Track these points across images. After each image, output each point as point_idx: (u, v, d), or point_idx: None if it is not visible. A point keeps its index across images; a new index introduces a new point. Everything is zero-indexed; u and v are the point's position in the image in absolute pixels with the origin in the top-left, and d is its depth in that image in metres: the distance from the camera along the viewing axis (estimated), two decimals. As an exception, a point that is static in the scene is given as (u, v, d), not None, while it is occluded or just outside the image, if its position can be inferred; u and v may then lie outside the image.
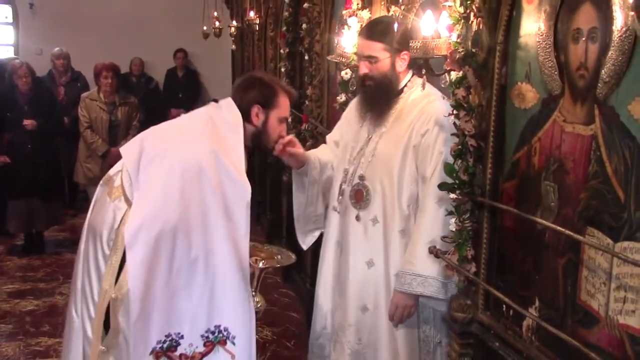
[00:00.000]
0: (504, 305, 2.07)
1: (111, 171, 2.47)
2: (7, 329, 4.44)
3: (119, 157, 3.27)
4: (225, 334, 2.18)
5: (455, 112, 2.13)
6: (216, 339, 2.17)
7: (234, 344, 2.18)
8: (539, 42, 1.86)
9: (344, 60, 3.22)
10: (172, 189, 2.17)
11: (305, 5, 4.31)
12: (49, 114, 5.87)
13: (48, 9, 9.42)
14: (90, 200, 2.81)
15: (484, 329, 2.18)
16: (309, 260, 4.58)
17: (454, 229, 2.20)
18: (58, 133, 6.10)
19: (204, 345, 2.17)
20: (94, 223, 2.38)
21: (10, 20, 9.84)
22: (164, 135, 2.41)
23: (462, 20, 2.06)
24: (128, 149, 2.36)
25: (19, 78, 5.71)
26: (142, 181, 2.22)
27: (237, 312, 2.18)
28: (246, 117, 2.42)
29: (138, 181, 2.22)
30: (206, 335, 2.17)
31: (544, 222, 1.82)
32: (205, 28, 7.99)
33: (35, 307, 4.84)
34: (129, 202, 2.24)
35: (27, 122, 5.68)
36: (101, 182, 2.48)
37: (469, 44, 2.05)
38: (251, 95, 2.45)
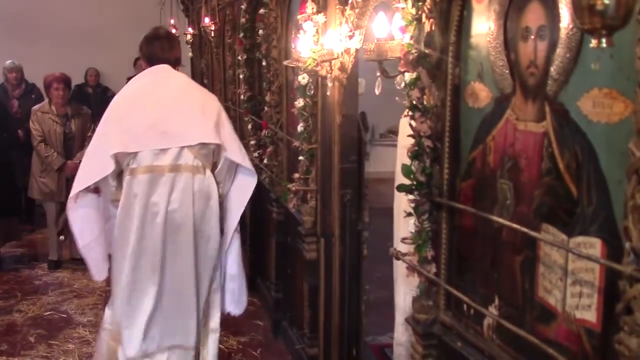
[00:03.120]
0: (465, 305, 2.07)
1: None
2: (-38, 349, 4.30)
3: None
4: None
5: (410, 113, 2.13)
6: None
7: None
8: (490, 41, 1.87)
9: (300, 64, 3.21)
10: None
11: (262, 11, 4.29)
12: (1, 128, 5.72)
13: (2, 21, 9.20)
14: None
15: (446, 329, 2.18)
16: (273, 268, 4.55)
17: (413, 230, 2.20)
18: (12, 147, 5.95)
19: None
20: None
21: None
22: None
23: (415, 22, 2.07)
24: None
25: (-31, 91, 5.57)
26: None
27: None
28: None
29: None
30: None
31: (500, 219, 1.83)
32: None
33: (-8, 325, 4.71)
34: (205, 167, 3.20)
35: (-20, 136, 5.54)
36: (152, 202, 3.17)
37: (422, 45, 2.05)
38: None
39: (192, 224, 3.15)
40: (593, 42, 1.13)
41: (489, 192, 1.92)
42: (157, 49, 3.36)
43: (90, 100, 8.31)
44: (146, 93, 3.30)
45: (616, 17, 1.08)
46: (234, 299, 3.43)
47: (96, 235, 3.35)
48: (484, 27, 1.91)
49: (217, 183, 3.22)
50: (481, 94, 1.94)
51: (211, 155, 3.22)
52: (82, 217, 3.31)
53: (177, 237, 3.15)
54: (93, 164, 3.21)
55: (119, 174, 3.19)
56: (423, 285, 2.24)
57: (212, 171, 3.21)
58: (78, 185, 3.19)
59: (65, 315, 4.89)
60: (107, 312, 3.37)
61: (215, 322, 3.37)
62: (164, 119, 3.19)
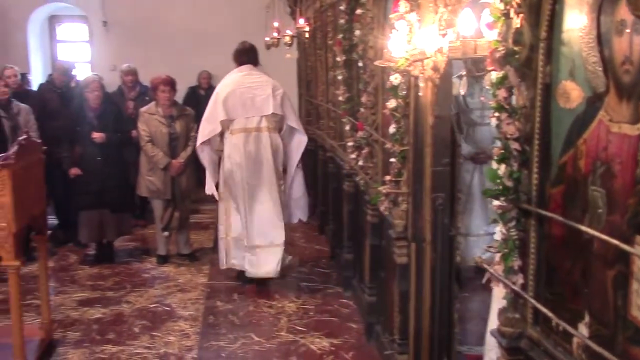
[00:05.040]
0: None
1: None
2: (74, 336, 4.59)
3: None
4: None
5: (496, 114, 2.02)
6: None
7: None
8: (582, 36, 1.72)
9: (392, 64, 3.14)
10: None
11: (359, 11, 4.25)
12: (117, 128, 6.06)
13: (119, 26, 9.80)
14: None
15: (533, 344, 2.04)
16: (368, 270, 4.51)
17: (498, 238, 2.08)
18: (126, 146, 6.29)
19: None
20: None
21: (87, 38, 10.31)
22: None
23: (503, 18, 1.95)
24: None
25: (91, 92, 5.92)
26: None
27: None
28: None
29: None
30: None
31: (590, 230, 1.68)
32: (267, 39, 8.08)
33: (102, 315, 4.99)
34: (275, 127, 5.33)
35: (97, 136, 5.89)
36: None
37: (510, 42, 1.93)
38: None
39: (268, 162, 5.22)
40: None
41: (579, 200, 1.77)
42: (244, 56, 5.48)
43: (201, 101, 8.62)
44: (238, 82, 5.35)
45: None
46: (301, 210, 5.67)
47: (214, 164, 5.46)
48: (576, 21, 1.76)
49: (282, 139, 5.35)
50: (573, 93, 1.80)
51: (279, 122, 5.34)
52: (207, 155, 5.42)
53: (261, 170, 5.22)
54: (208, 126, 5.33)
55: (221, 133, 5.30)
56: (509, 296, 2.11)
57: (279, 132, 5.33)
58: (201, 138, 5.36)
59: (168, 309, 5.10)
60: (221, 228, 5.48)
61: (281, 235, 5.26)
62: (250, 98, 5.26)
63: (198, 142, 5.36)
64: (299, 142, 5.47)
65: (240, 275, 5.50)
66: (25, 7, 9.83)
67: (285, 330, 4.64)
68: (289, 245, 5.75)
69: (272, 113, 5.22)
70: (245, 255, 5.27)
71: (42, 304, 4.45)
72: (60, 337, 4.54)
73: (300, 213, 5.66)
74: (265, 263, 5.23)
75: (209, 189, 5.42)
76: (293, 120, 5.42)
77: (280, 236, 5.22)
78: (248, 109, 5.22)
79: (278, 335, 4.56)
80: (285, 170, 5.41)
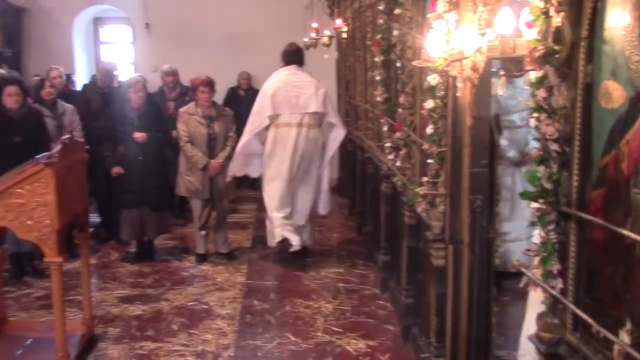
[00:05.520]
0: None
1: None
2: (115, 332, 4.67)
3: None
4: None
5: (535, 115, 1.97)
6: None
7: None
8: (625, 35, 1.67)
9: (430, 64, 3.11)
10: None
11: (397, 11, 4.22)
12: (157, 128, 6.15)
13: (161, 28, 9.97)
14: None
15: (572, 351, 1.99)
16: (405, 272, 4.48)
17: (537, 241, 2.03)
18: (166, 146, 6.38)
19: None
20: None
21: (130, 39, 10.51)
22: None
23: (542, 16, 1.91)
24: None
25: (134, 92, 6.02)
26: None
27: None
28: None
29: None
30: None
31: (632, 234, 1.63)
32: (306, 40, 8.10)
33: (142, 312, 5.07)
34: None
35: (138, 135, 5.98)
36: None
37: (550, 40, 1.89)
38: None
39: (308, 155, 5.88)
40: None
41: (621, 203, 1.72)
42: (292, 56, 6.04)
43: (241, 102, 8.72)
44: (284, 81, 5.92)
45: None
46: (324, 205, 6.21)
47: (258, 152, 6.05)
48: (619, 19, 1.71)
49: (322, 134, 5.97)
50: (615, 93, 1.74)
51: (320, 118, 5.92)
52: (248, 144, 5.97)
53: (302, 161, 5.87)
54: (257, 119, 5.92)
55: (267, 127, 5.88)
56: (548, 300, 2.06)
57: (320, 127, 5.95)
58: (250, 130, 5.93)
59: (206, 307, 5.15)
60: (268, 210, 6.07)
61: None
62: (295, 96, 5.84)
63: (246, 134, 5.91)
64: (337, 135, 6.08)
65: (282, 251, 6.09)
66: (71, 10, 10.08)
67: (322, 331, 4.64)
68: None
69: (314, 111, 5.82)
70: (286, 231, 5.93)
71: (84, 300, 4.55)
72: (101, 332, 4.63)
73: (323, 207, 6.23)
74: (299, 238, 5.97)
75: (231, 174, 6.10)
76: (333, 117, 6.02)
77: (311, 214, 6.19)
78: (292, 106, 5.80)
79: (314, 336, 4.56)
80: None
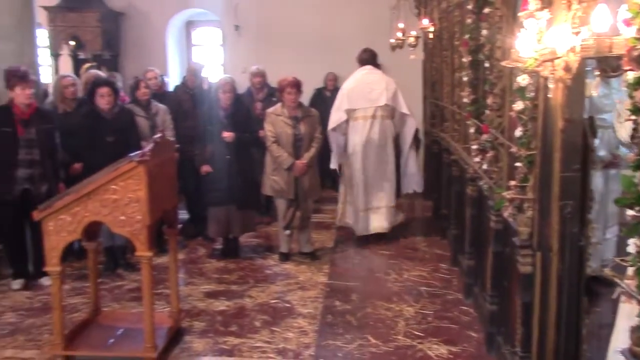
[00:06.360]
0: (694, 344, 1.76)
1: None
2: (200, 326, 4.81)
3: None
4: None
5: (633, 117, 1.87)
6: None
7: None
8: None
9: (520, 65, 3.00)
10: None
11: (486, 10, 4.12)
12: (245, 128, 6.28)
13: (250, 30, 10.18)
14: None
15: (669, 369, 1.87)
16: (489, 278, 4.36)
17: (632, 251, 1.92)
18: (253, 145, 6.51)
19: None
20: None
21: (220, 42, 10.80)
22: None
23: (642, 13, 1.81)
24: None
25: (223, 93, 6.17)
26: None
27: None
28: None
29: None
30: None
31: None
32: (392, 40, 8.04)
33: (226, 307, 5.19)
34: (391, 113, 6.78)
35: (227, 135, 6.13)
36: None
37: (650, 39, 1.79)
38: None
39: (381, 142, 6.67)
40: None
41: None
42: (365, 58, 6.91)
43: (327, 103, 8.74)
44: (359, 79, 6.80)
45: None
46: (416, 184, 7.17)
47: (340, 147, 6.85)
48: None
49: (395, 125, 6.80)
50: None
51: (391, 111, 6.73)
52: (334, 138, 6.80)
53: (377, 150, 6.68)
54: (336, 114, 6.72)
55: (346, 120, 6.66)
56: (644, 314, 1.95)
57: (392, 119, 6.75)
58: (331, 124, 6.73)
59: (288, 305, 5.21)
60: (341, 192, 7.06)
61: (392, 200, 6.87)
62: (369, 91, 6.67)
63: (329, 128, 6.71)
64: (411, 126, 6.93)
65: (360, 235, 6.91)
66: (165, 14, 10.47)
67: (403, 335, 4.59)
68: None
69: (385, 104, 6.62)
70: (359, 215, 6.76)
71: (171, 293, 4.71)
72: (187, 326, 4.78)
73: (415, 186, 7.17)
74: (376, 221, 6.81)
75: (333, 164, 6.95)
76: (403, 107, 6.78)
77: (390, 200, 6.82)
78: (366, 101, 6.63)
79: (395, 339, 4.52)
80: (400, 151, 6.97)
